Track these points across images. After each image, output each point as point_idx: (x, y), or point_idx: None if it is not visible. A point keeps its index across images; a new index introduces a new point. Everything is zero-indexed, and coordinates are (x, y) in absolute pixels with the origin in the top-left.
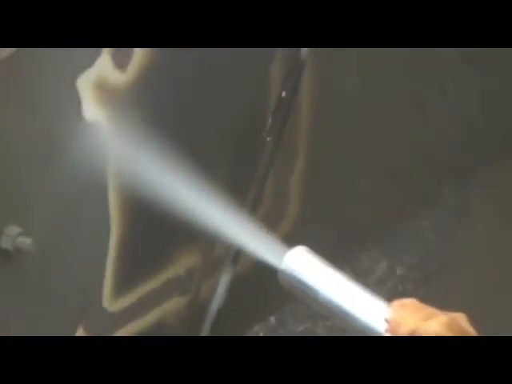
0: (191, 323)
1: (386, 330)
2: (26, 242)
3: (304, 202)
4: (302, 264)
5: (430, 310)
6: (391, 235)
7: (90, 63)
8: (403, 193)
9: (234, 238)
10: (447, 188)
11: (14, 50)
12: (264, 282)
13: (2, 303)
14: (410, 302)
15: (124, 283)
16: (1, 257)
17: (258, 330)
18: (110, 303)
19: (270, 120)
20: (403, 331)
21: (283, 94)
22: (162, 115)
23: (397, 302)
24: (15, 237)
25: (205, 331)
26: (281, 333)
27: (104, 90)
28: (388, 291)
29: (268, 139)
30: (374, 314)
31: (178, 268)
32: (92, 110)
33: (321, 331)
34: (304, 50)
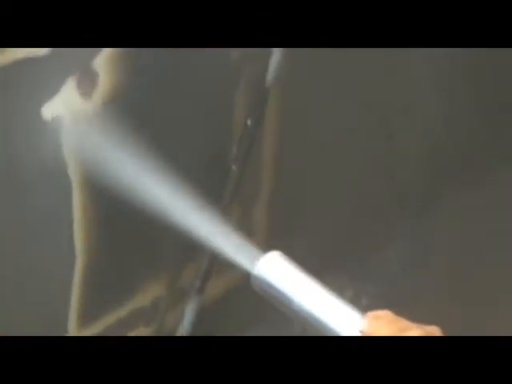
0: None
1: None
2: None
3: (269, 231)
4: (276, 270)
5: (405, 322)
6: (357, 265)
7: (55, 91)
8: (369, 222)
9: (208, 243)
10: (412, 217)
11: None
12: (228, 313)
13: None
14: (384, 314)
15: (89, 313)
16: None
17: None
18: (75, 333)
19: (235, 148)
20: None
21: (248, 122)
22: (125, 144)
23: (371, 314)
24: None
25: None
26: None
27: (70, 116)
28: None
29: (233, 167)
30: (349, 324)
31: (143, 298)
32: (57, 138)
33: None
34: (269, 78)
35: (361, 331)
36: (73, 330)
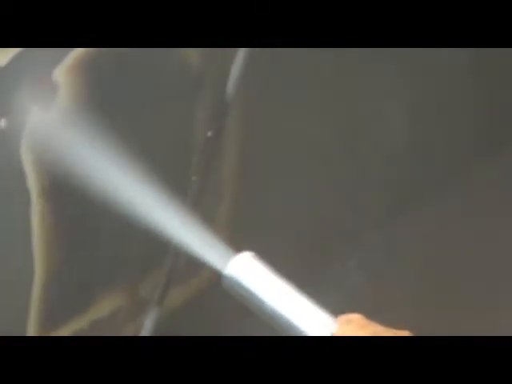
0: None
1: None
2: None
3: (229, 244)
4: (249, 270)
5: (377, 327)
6: (318, 277)
7: (14, 101)
8: (330, 234)
9: (177, 238)
10: (372, 227)
11: None
12: (189, 325)
13: None
14: (356, 318)
15: (48, 324)
16: None
17: None
18: None
19: (195, 160)
20: None
21: (209, 133)
22: (84, 155)
23: (343, 317)
24: None
25: None
26: None
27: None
28: None
29: (193, 179)
30: (320, 328)
31: (102, 309)
32: (16, 148)
33: None
34: (230, 89)
35: (332, 334)
36: None
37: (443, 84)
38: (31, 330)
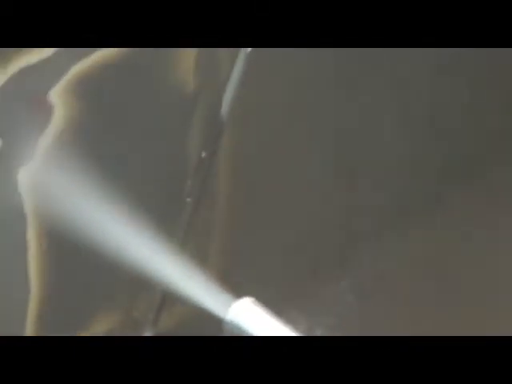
0: None
1: None
2: None
3: (223, 264)
4: (249, 316)
5: None
6: (309, 298)
7: (10, 122)
8: (321, 254)
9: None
10: (362, 246)
11: None
12: None
13: None
14: None
15: None
16: None
17: None
18: None
19: (189, 181)
20: None
21: (203, 154)
22: (79, 177)
23: None
24: None
25: None
26: None
27: (25, 148)
28: None
29: (188, 200)
30: None
31: (97, 330)
32: (12, 171)
33: None
34: (224, 111)
35: None
36: None
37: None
38: None
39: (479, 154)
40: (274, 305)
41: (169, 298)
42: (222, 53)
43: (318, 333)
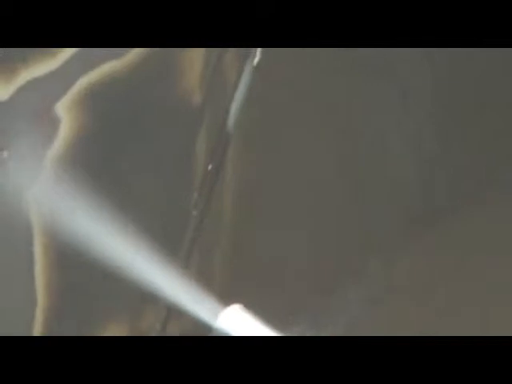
0: None
1: None
2: None
3: (229, 278)
4: (238, 323)
5: None
6: (317, 309)
7: (16, 135)
8: (330, 265)
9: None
10: (373, 258)
11: None
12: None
13: None
14: None
15: None
16: None
17: None
18: None
19: (195, 194)
20: None
21: (209, 167)
22: (85, 189)
23: None
24: None
25: None
26: None
27: (31, 161)
28: None
29: (194, 213)
30: None
31: None
32: (18, 183)
33: None
34: (230, 123)
35: None
36: None
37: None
38: None
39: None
40: (282, 317)
41: (175, 310)
42: (229, 64)
43: None
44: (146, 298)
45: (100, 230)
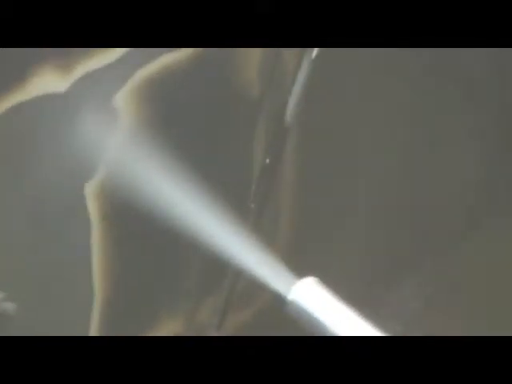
0: None
1: None
2: (9, 307)
3: (289, 268)
4: (311, 296)
5: None
6: (377, 303)
7: (75, 127)
8: (386, 260)
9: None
10: (429, 255)
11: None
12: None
13: None
14: None
15: None
16: None
17: None
18: None
19: (253, 187)
20: None
21: (267, 160)
22: (143, 181)
23: None
24: None
25: None
26: None
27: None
28: None
29: (252, 206)
30: None
31: (160, 332)
32: (78, 174)
33: None
34: (288, 116)
35: None
36: None
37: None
38: None
39: None
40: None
41: (233, 302)
42: (287, 57)
43: None
44: (204, 290)
45: (157, 221)
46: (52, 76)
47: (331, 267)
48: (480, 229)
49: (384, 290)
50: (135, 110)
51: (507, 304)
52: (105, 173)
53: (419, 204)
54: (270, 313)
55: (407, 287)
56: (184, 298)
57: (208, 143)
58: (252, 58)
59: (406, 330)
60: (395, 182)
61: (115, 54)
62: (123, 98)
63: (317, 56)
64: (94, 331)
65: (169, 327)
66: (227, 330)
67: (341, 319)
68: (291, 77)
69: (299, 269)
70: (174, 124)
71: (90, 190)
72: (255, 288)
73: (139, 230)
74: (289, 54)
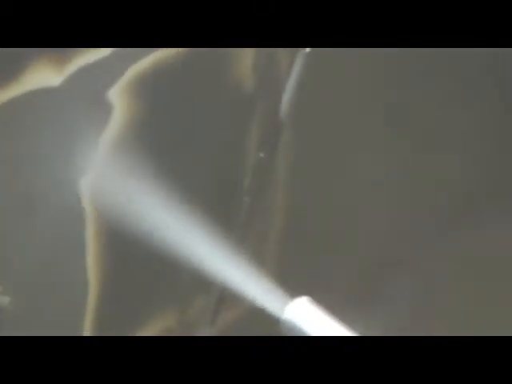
0: None
1: None
2: (4, 300)
3: (280, 267)
4: (305, 315)
5: None
6: (363, 303)
7: (69, 122)
8: (379, 258)
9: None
10: (423, 251)
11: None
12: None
13: None
14: None
15: None
16: None
17: None
18: None
19: (247, 180)
20: None
21: (261, 154)
22: (137, 174)
23: None
24: None
25: None
26: None
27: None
28: None
29: (245, 199)
30: None
31: (153, 328)
32: (71, 169)
33: None
34: (283, 110)
35: None
36: None
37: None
38: None
39: None
40: (332, 305)
41: (226, 298)
42: (281, 53)
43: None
44: (197, 286)
45: (152, 216)
46: (46, 71)
47: (323, 260)
48: (473, 226)
49: (377, 288)
50: (129, 105)
51: (500, 302)
52: (97, 168)
53: (417, 203)
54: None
55: (400, 285)
56: (177, 294)
57: (201, 138)
58: (246, 53)
59: (396, 328)
60: (390, 180)
61: (109, 49)
62: (117, 93)
63: (310, 54)
64: (87, 327)
65: (162, 322)
66: (220, 327)
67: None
68: (285, 71)
69: (290, 266)
70: (166, 120)
71: (85, 186)
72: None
73: (132, 227)
74: (282, 51)
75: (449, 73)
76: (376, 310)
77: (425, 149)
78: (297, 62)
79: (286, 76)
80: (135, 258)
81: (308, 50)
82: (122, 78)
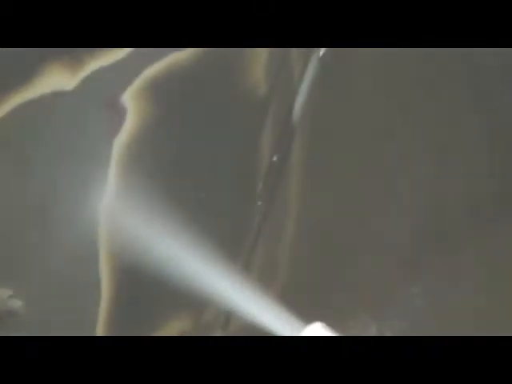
0: None
1: None
2: (16, 304)
3: (294, 269)
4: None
5: None
6: (380, 302)
7: (83, 127)
8: (393, 259)
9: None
10: (436, 253)
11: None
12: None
13: None
14: None
15: None
16: None
17: None
18: None
19: (260, 184)
20: None
21: (274, 158)
22: (152, 182)
23: None
24: (6, 299)
25: None
26: None
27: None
28: None
29: (259, 203)
30: None
31: (167, 332)
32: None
33: None
34: (296, 115)
35: None
36: None
37: None
38: None
39: None
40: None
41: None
42: (294, 56)
43: (387, 334)
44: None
45: (164, 221)
46: (60, 74)
47: (334, 268)
48: (488, 230)
49: (391, 289)
50: (142, 108)
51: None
52: (113, 177)
53: (427, 205)
54: None
55: (415, 286)
56: (190, 298)
57: (215, 141)
58: (259, 58)
59: (412, 328)
60: (404, 183)
61: (122, 52)
62: (130, 97)
63: (324, 55)
64: (100, 331)
65: (174, 326)
66: (233, 330)
67: None
68: (298, 75)
69: (305, 267)
70: (180, 123)
71: (98, 191)
72: None
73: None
74: (296, 53)
75: (467, 73)
76: (392, 315)
77: (445, 149)
78: (310, 65)
79: (300, 79)
80: (147, 261)
81: (321, 53)
82: (136, 81)
